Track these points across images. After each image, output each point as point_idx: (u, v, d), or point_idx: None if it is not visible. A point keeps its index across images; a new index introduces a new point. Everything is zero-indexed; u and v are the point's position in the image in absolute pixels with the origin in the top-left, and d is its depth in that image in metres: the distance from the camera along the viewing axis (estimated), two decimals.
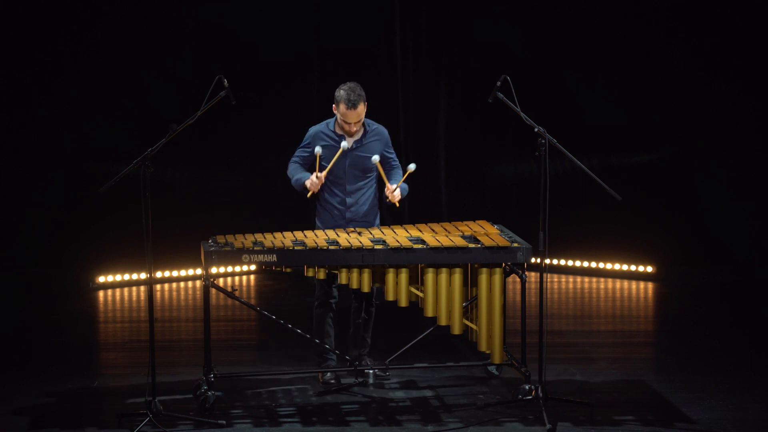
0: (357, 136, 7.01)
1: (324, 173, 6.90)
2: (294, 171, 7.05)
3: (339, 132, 7.00)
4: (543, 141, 6.35)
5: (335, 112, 6.95)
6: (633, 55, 10.63)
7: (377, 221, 7.18)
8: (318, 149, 6.87)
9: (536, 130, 6.39)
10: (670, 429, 6.26)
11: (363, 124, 7.02)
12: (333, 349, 7.10)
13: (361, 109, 6.89)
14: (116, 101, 10.40)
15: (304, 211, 10.61)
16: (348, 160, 6.99)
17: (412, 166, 6.89)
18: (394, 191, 6.94)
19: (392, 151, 7.18)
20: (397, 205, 6.97)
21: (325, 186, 7.04)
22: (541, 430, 6.23)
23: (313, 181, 6.90)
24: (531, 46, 10.62)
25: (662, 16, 10.58)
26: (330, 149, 6.96)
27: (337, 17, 10.70)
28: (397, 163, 7.19)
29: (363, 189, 7.07)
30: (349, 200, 7.05)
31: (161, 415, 6.28)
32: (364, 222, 7.07)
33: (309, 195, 6.96)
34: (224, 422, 6.34)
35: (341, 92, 6.89)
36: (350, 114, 6.87)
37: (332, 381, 7.02)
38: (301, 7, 10.63)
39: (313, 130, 7.08)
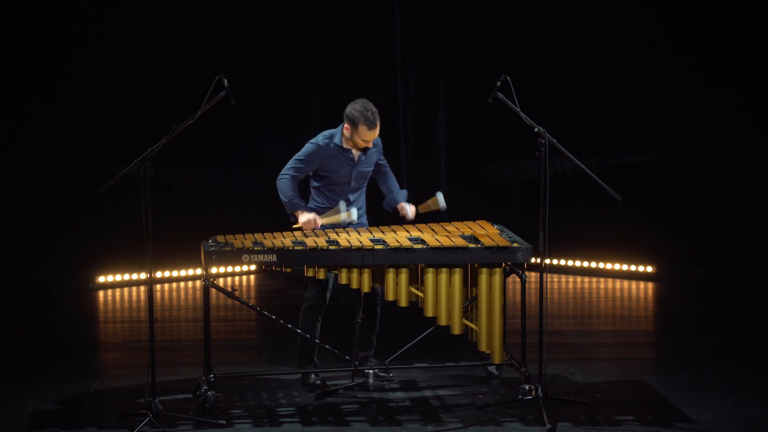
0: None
1: (321, 222, 6.87)
2: (288, 189, 6.88)
3: (347, 146, 6.95)
4: (543, 141, 6.35)
5: (348, 131, 6.86)
6: (633, 55, 10.63)
7: (366, 222, 7.21)
8: (354, 216, 6.88)
9: (536, 130, 6.39)
10: (670, 429, 6.26)
11: None
12: (315, 353, 7.10)
13: (379, 127, 6.88)
14: (116, 101, 10.40)
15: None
16: (354, 172, 7.00)
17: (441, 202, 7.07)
18: (408, 211, 7.13)
19: (382, 157, 7.22)
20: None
21: (321, 193, 7.04)
22: (541, 430, 6.23)
23: (310, 222, 6.83)
24: (531, 45, 10.62)
25: (663, 16, 10.58)
26: (339, 164, 6.94)
27: (336, 17, 10.70)
28: (389, 167, 7.27)
29: (360, 196, 7.08)
30: (351, 197, 7.06)
31: (161, 415, 6.28)
32: (357, 225, 7.08)
33: (294, 227, 6.90)
34: (224, 422, 6.34)
35: (357, 113, 6.78)
36: (372, 134, 6.86)
37: (318, 383, 6.99)
38: (301, 7, 10.63)
39: (316, 148, 6.91)
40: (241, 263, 6.53)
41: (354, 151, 6.98)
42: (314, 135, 7.05)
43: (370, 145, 6.95)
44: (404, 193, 7.24)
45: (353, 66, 10.64)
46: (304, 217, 6.86)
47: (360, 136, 6.85)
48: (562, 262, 10.75)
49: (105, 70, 10.39)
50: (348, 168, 6.98)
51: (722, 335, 8.52)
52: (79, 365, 7.66)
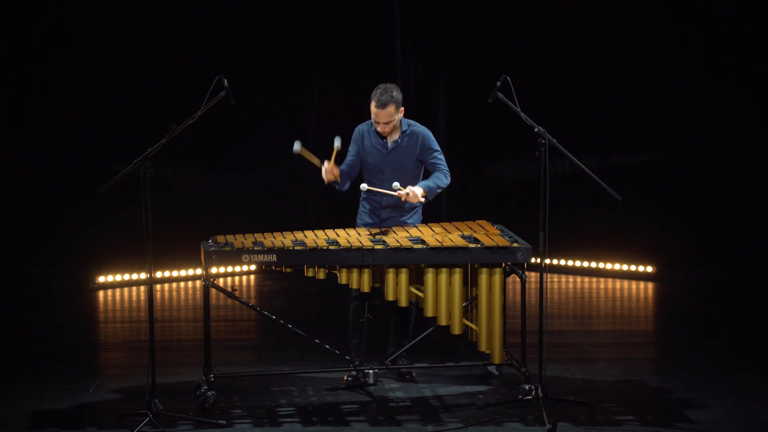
0: (394, 137, 7.03)
1: (331, 164, 6.86)
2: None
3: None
4: (543, 141, 6.35)
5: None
6: (633, 55, 10.63)
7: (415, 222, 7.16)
8: (337, 144, 6.83)
9: (536, 130, 6.39)
10: (670, 429, 6.26)
11: (400, 126, 7.03)
12: (362, 348, 7.11)
13: (391, 110, 6.89)
14: (116, 101, 10.40)
15: (304, 210, 10.65)
16: (387, 161, 7.01)
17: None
18: (407, 192, 6.86)
19: (433, 152, 7.06)
20: (406, 198, 6.89)
21: (368, 182, 7.06)
22: (541, 430, 6.23)
23: (324, 168, 6.88)
24: (531, 45, 10.63)
25: (663, 15, 10.58)
26: (371, 147, 7.01)
27: (336, 17, 10.70)
28: (440, 167, 7.04)
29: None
30: (384, 201, 7.06)
31: (161, 415, 6.28)
32: (399, 223, 7.09)
33: (326, 182, 6.93)
34: (224, 422, 6.34)
35: (376, 91, 6.93)
36: (379, 113, 6.90)
37: (351, 379, 7.07)
38: (301, 7, 10.63)
39: (358, 129, 7.12)
40: (241, 263, 6.53)
41: (388, 139, 7.02)
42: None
43: (384, 129, 6.93)
44: (426, 184, 6.96)
45: (353, 66, 10.64)
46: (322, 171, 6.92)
47: (372, 113, 6.93)
48: (562, 262, 10.75)
49: (105, 70, 10.39)
50: (379, 155, 7.01)
51: (722, 335, 8.52)
52: (79, 365, 7.65)
